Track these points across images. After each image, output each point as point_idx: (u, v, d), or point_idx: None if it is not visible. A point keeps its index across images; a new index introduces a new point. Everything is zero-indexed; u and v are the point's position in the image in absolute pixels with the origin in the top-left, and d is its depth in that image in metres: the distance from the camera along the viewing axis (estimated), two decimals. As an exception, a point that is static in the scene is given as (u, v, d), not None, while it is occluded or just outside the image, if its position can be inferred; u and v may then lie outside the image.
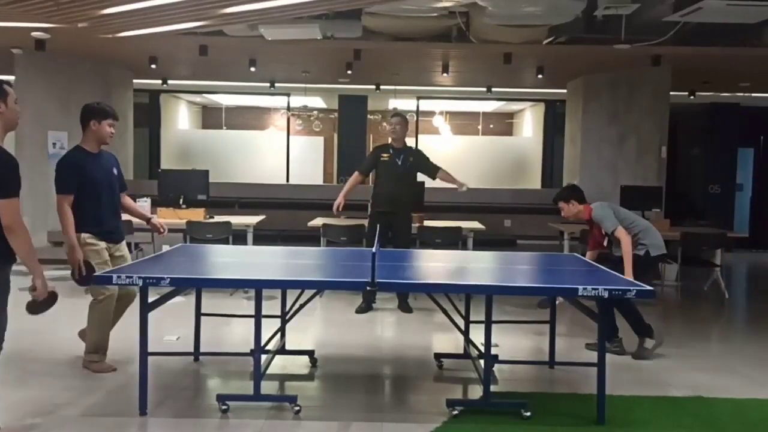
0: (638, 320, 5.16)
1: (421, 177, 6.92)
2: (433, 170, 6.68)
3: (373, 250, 3.63)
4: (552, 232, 8.57)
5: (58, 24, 6.69)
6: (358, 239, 6.91)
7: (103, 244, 4.49)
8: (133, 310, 3.81)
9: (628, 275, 4.74)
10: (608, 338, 5.06)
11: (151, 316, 3.76)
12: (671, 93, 9.58)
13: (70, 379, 4.33)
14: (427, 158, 6.77)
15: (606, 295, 3.56)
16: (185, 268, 4.28)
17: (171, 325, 5.45)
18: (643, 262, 5.13)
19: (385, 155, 6.60)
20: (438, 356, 4.88)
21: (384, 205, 6.51)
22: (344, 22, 7.39)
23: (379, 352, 5.30)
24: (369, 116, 13.58)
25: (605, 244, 5.33)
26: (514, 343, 5.40)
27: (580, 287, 3.57)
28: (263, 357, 4.06)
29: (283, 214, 9.34)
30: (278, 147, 13.91)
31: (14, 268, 3.26)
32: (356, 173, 6.72)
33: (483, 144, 14.92)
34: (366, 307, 6.64)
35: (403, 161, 6.55)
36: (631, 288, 3.63)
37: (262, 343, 3.99)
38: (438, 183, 6.83)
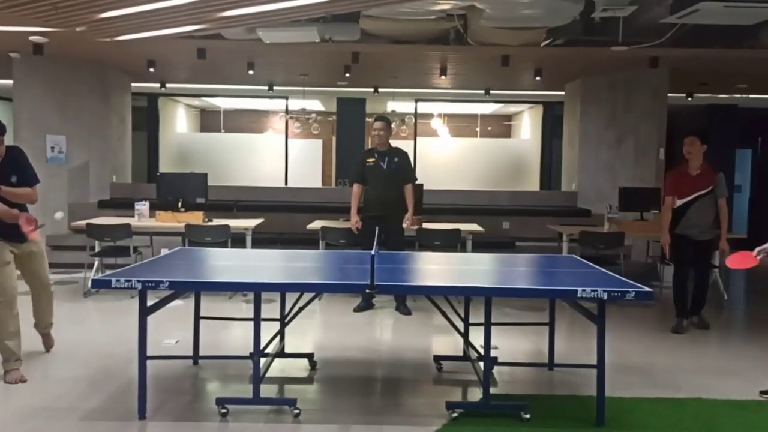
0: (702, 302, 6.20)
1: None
2: (407, 179, 6.68)
3: (372, 252, 3.63)
4: (550, 233, 8.56)
5: (56, 28, 6.69)
6: (357, 242, 6.90)
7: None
8: (133, 313, 3.80)
9: (724, 243, 6.01)
10: (698, 312, 6.25)
11: (150, 319, 3.76)
12: (669, 95, 9.59)
13: (69, 383, 4.32)
14: (410, 164, 6.85)
15: (605, 296, 3.56)
16: (184, 272, 4.29)
17: (170, 329, 5.44)
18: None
19: (370, 160, 6.67)
20: (437, 359, 4.88)
21: (373, 209, 6.58)
22: (342, 25, 7.40)
23: (379, 354, 5.29)
24: (367, 119, 13.58)
25: (676, 204, 6.01)
26: (513, 345, 5.39)
27: (579, 289, 3.58)
28: (262, 360, 4.06)
29: (281, 217, 9.33)
30: (277, 150, 13.92)
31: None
32: (354, 185, 6.75)
33: (481, 146, 14.93)
34: (365, 306, 6.66)
35: (388, 164, 6.58)
36: (630, 290, 3.63)
37: (262, 346, 3.99)
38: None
